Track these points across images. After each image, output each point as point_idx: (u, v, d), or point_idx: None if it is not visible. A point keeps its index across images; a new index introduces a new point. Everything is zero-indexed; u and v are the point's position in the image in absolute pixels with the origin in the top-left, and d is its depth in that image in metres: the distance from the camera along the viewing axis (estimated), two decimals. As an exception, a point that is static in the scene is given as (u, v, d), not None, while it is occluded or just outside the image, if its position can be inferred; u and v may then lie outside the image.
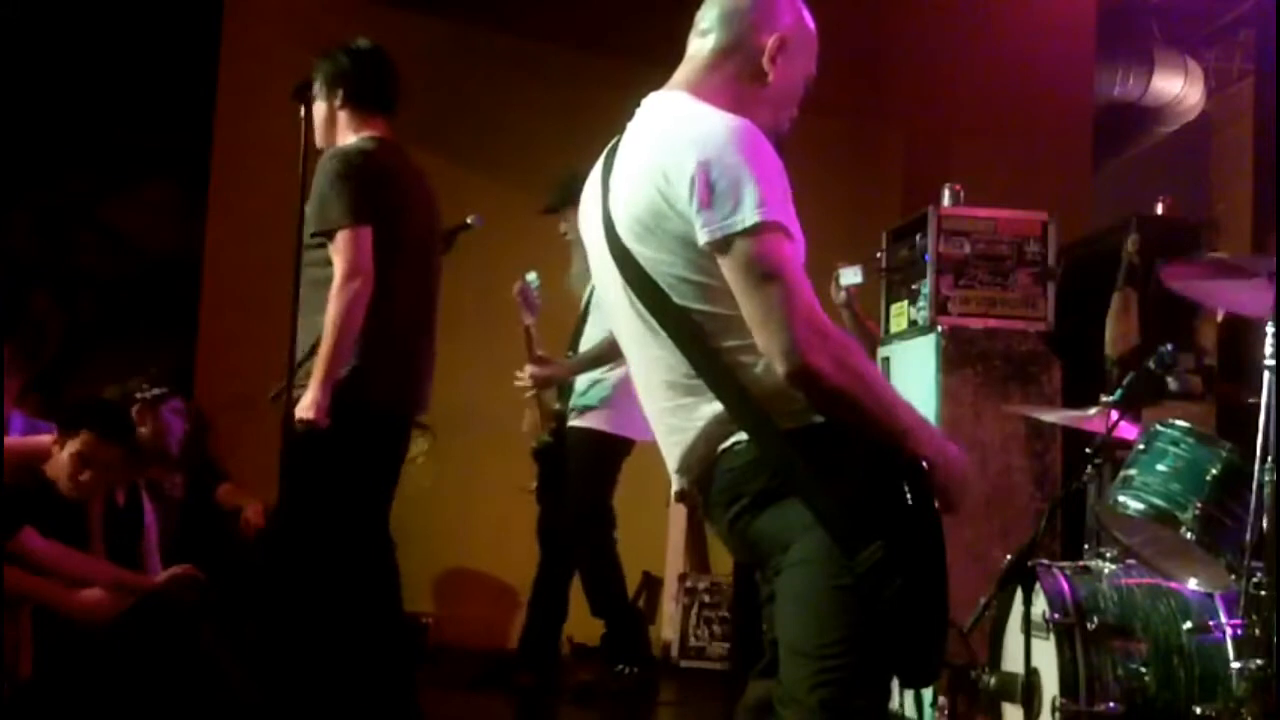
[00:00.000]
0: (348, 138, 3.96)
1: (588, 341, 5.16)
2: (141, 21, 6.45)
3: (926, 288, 4.75)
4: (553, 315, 5.40)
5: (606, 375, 5.10)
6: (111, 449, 4.17)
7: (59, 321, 6.02)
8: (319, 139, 4.00)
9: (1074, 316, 4.88)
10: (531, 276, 5.23)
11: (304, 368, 3.81)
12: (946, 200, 4.84)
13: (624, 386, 5.07)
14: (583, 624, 5.56)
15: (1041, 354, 4.74)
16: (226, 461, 5.95)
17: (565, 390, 5.24)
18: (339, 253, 3.75)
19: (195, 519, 5.42)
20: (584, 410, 5.16)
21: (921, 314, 4.80)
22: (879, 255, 5.13)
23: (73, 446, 4.09)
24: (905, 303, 4.94)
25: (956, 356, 4.69)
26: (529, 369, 5.08)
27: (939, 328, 4.69)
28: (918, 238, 4.85)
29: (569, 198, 5.07)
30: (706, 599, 6.13)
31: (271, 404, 3.85)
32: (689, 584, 6.20)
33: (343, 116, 3.98)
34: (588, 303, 5.20)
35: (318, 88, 3.98)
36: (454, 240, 5.16)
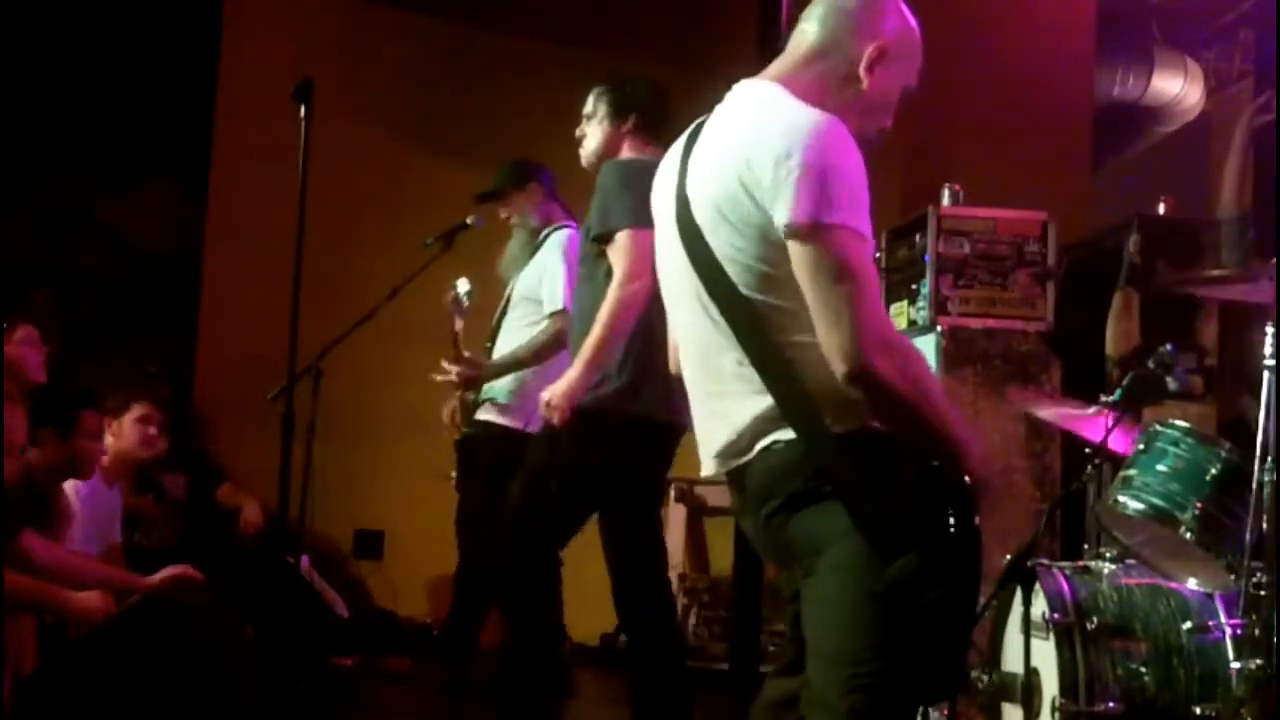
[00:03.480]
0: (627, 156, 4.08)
1: (505, 334, 5.07)
2: (141, 21, 6.45)
3: (926, 288, 4.75)
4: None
5: (523, 374, 4.98)
6: (158, 405, 4.85)
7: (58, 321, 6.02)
8: (596, 157, 4.09)
9: (1074, 316, 4.87)
10: (464, 288, 5.15)
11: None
12: (946, 200, 4.84)
13: (535, 385, 4.80)
14: (582, 624, 5.56)
15: (1041, 354, 4.74)
16: (226, 461, 5.96)
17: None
18: (619, 254, 3.83)
19: (195, 519, 5.43)
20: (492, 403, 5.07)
21: (921, 314, 4.80)
22: (878, 255, 5.13)
23: (135, 413, 4.74)
24: (905, 303, 4.94)
25: (956, 356, 4.68)
26: (453, 368, 5.02)
27: (938, 328, 4.69)
28: (917, 237, 4.85)
29: (515, 182, 5.09)
30: (706, 599, 6.11)
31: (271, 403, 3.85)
32: (689, 584, 6.19)
33: (627, 140, 4.08)
34: (509, 298, 5.11)
35: (603, 112, 4.08)
36: (453, 240, 5.16)
